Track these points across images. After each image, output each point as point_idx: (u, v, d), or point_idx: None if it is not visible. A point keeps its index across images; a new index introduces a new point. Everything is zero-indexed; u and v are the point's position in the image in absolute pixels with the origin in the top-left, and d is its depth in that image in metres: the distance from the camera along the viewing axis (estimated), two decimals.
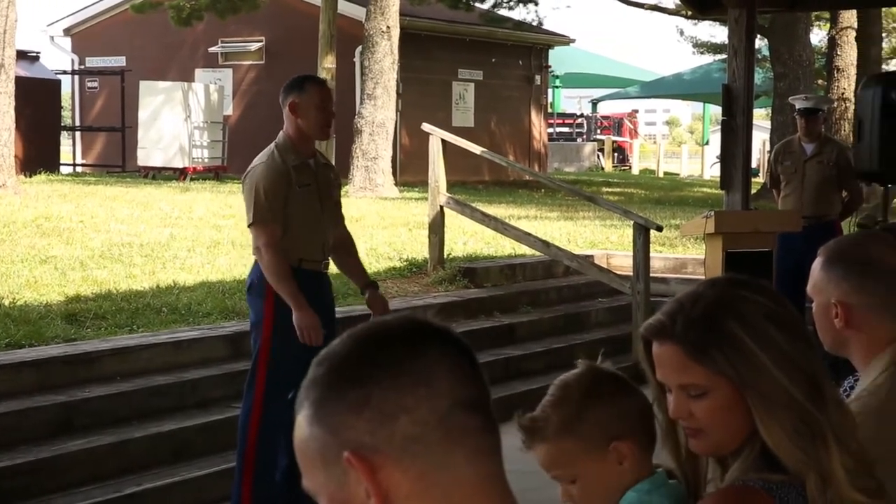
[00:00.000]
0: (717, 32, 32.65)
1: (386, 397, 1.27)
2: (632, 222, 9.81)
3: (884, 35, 26.90)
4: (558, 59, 32.98)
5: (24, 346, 6.94)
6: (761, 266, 7.24)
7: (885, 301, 2.42)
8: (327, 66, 19.67)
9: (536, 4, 24.05)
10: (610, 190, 24.06)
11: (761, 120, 30.21)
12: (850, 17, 22.08)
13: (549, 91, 33.13)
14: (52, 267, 9.64)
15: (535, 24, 25.27)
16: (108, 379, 6.76)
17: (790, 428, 1.85)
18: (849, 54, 22.15)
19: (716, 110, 35.64)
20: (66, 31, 28.46)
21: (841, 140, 15.67)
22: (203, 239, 11.81)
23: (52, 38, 28.45)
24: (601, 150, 40.73)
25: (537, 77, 28.82)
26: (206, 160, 22.55)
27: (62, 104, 27.09)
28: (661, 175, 38.33)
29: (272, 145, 5.50)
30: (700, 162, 42.85)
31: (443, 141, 10.52)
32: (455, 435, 1.28)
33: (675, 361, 1.94)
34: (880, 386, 2.38)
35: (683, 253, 12.35)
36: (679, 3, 21.55)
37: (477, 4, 23.89)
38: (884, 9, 24.63)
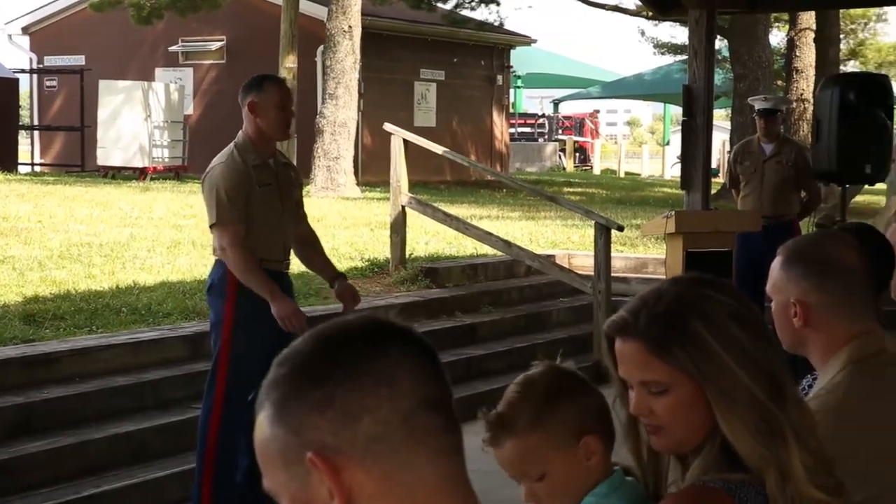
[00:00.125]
0: (677, 33, 32.81)
1: (349, 398, 1.26)
2: (593, 222, 9.84)
3: (842, 37, 27.13)
4: (520, 60, 33.06)
5: None
6: (721, 265, 7.28)
7: (843, 300, 2.44)
8: (289, 65, 19.63)
9: (498, 5, 24.11)
10: (571, 190, 24.15)
11: (721, 120, 30.34)
12: (808, 19, 22.27)
13: (511, 91, 33.19)
14: (9, 267, 9.55)
15: (496, 24, 25.31)
16: (68, 380, 6.71)
17: (752, 425, 1.86)
18: (807, 55, 22.33)
19: (676, 111, 35.81)
20: (25, 30, 28.22)
21: (800, 140, 15.81)
22: (163, 239, 11.74)
23: (10, 36, 28.20)
24: (563, 150, 40.85)
25: (499, 77, 28.87)
26: (166, 160, 22.42)
27: (20, 103, 26.86)
28: (622, 175, 38.47)
29: (231, 145, 5.46)
30: (661, 162, 43.06)
31: (405, 141, 10.51)
32: (418, 435, 1.28)
33: (637, 358, 1.94)
34: (838, 384, 2.41)
35: (644, 253, 12.41)
36: (640, 3, 21.64)
37: (439, 4, 23.90)
38: (841, 11, 24.83)
